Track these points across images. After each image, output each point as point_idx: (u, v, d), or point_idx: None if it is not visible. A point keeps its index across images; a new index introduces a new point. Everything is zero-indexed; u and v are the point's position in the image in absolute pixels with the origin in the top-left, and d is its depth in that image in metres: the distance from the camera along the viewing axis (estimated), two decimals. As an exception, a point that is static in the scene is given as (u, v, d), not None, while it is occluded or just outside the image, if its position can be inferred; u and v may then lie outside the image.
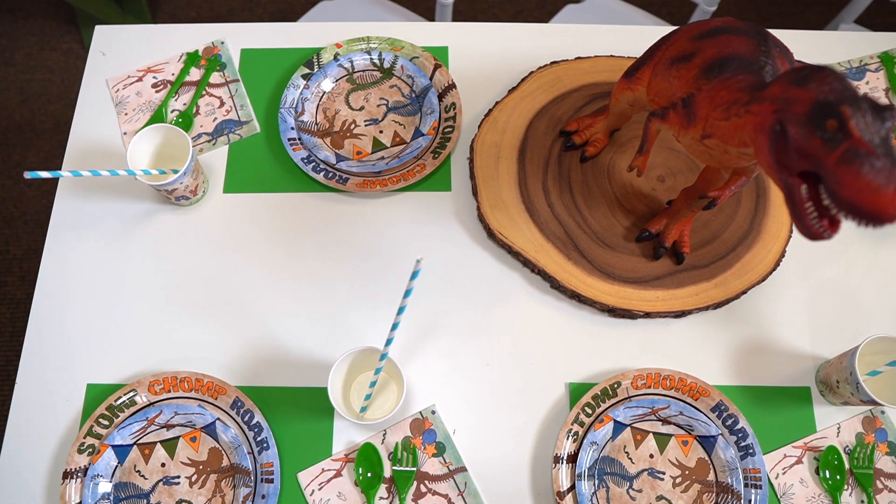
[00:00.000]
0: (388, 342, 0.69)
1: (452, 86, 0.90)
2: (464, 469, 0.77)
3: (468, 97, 0.93)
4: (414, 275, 0.64)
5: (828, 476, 0.78)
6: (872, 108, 0.51)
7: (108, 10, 1.72)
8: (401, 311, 0.66)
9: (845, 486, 0.79)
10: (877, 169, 0.49)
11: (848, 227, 0.89)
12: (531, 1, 1.94)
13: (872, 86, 0.97)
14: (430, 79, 0.91)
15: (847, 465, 0.79)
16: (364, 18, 1.27)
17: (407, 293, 0.65)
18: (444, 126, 0.89)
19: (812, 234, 0.55)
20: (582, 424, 0.78)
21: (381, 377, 0.78)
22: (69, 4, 1.86)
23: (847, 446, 0.80)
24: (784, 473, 0.79)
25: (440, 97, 0.90)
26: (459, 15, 1.90)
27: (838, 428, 0.81)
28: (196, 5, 1.91)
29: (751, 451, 0.78)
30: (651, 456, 0.78)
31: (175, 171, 0.81)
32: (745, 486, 0.77)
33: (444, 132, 0.88)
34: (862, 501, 0.78)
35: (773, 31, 0.99)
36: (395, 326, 0.68)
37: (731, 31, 0.66)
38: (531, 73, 0.91)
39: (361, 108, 0.91)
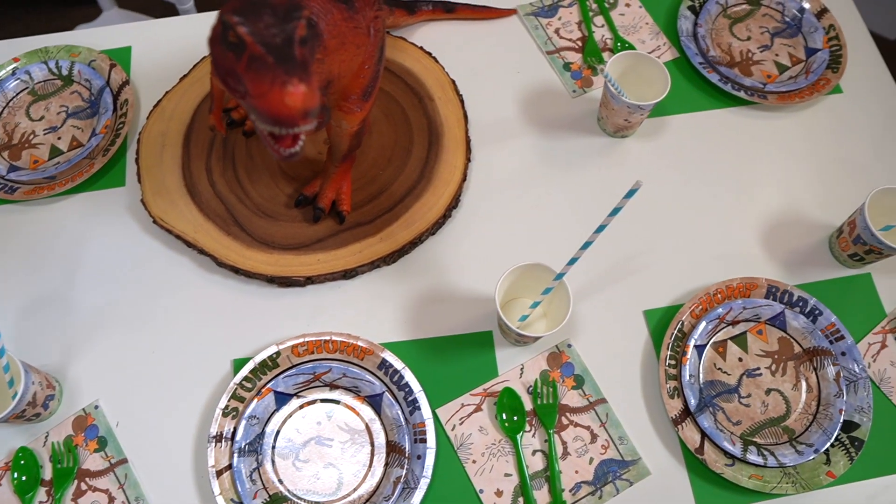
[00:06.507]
0: (-4, 339, 0.68)
1: (126, 83, 0.90)
2: (125, 461, 0.75)
3: (150, 92, 0.92)
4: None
5: (505, 419, 0.75)
6: (275, 11, 0.49)
7: None
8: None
9: (527, 428, 0.75)
10: (266, 70, 0.48)
11: (533, 160, 0.86)
12: None
13: (565, 20, 0.94)
14: (107, 80, 0.91)
15: (529, 406, 0.76)
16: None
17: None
18: (117, 123, 0.88)
19: (276, 155, 0.53)
20: (242, 400, 0.75)
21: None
22: None
23: (530, 386, 0.77)
24: (461, 424, 0.75)
25: (116, 96, 0.90)
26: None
27: (521, 368, 0.78)
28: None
29: (417, 405, 0.75)
30: (319, 423, 0.75)
31: None
32: (415, 441, 0.74)
33: (117, 129, 0.88)
34: (545, 441, 0.74)
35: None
36: None
37: None
38: (203, 58, 0.91)
39: (42, 118, 0.91)
